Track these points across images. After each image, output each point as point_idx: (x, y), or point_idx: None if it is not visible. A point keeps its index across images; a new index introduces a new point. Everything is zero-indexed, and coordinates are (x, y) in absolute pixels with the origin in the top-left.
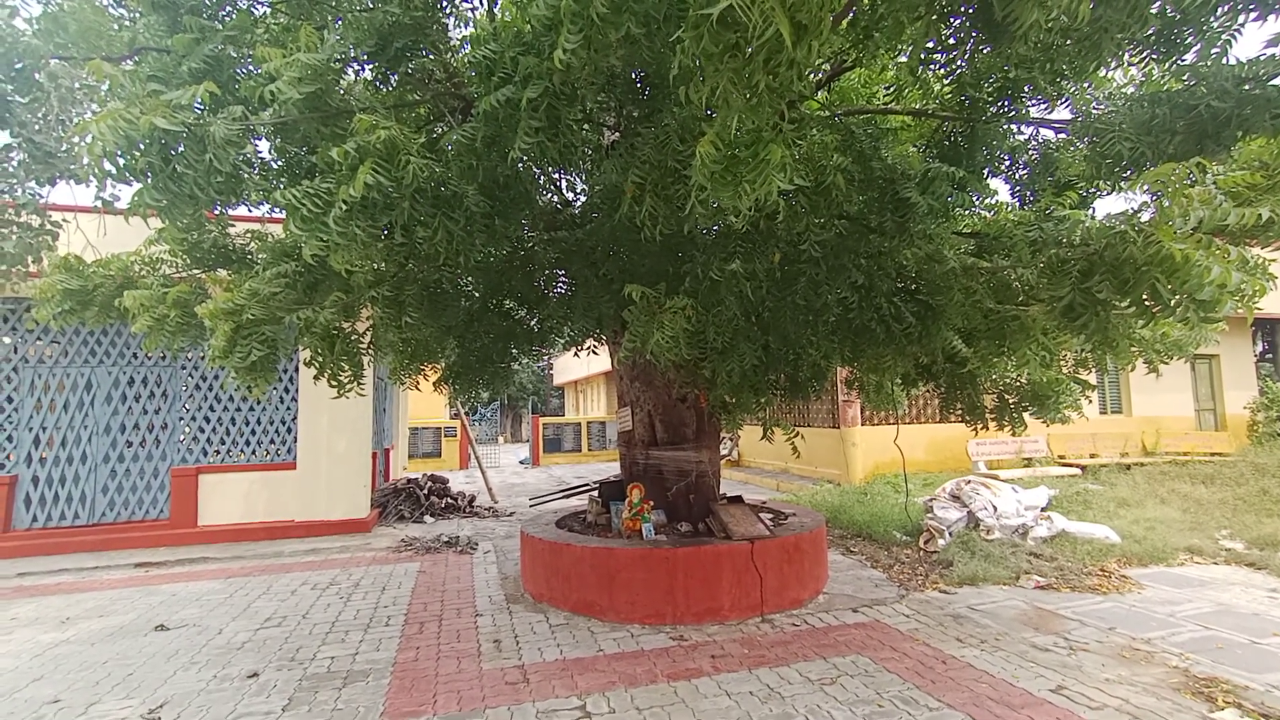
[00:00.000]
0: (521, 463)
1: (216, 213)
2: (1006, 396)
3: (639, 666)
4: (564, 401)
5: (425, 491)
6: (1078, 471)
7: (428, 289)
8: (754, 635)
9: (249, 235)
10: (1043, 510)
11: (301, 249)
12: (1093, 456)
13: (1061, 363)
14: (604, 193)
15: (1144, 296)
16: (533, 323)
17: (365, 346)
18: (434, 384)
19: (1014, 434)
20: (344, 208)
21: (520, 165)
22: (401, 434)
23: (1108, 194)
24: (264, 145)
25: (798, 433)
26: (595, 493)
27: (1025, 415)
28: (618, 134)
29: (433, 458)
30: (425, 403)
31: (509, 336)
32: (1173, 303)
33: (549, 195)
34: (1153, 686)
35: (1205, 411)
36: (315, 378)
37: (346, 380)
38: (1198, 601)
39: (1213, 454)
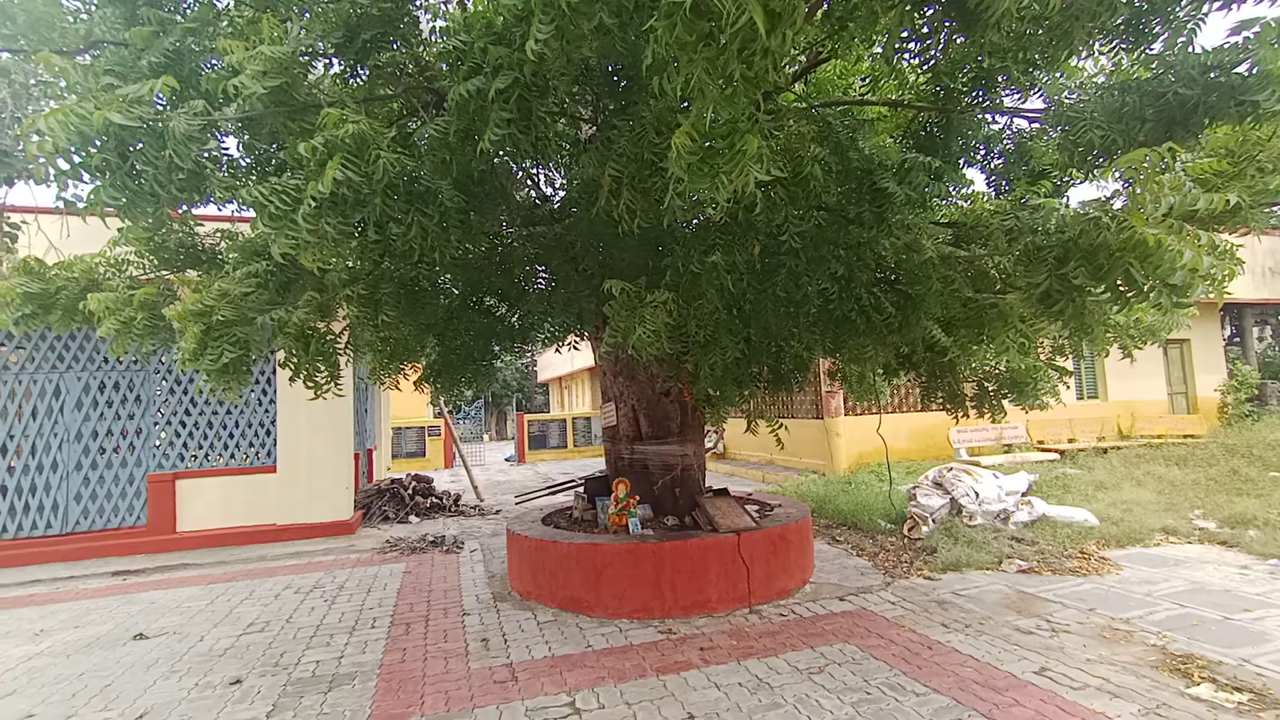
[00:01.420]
0: (507, 460)
1: (182, 211)
2: (986, 384)
3: (628, 661)
4: (549, 398)
5: (409, 491)
6: (1056, 456)
7: (404, 287)
8: (742, 626)
9: (219, 235)
10: (1023, 495)
11: (292, 251)
12: (1071, 441)
13: (1039, 350)
14: (582, 187)
15: (1118, 282)
16: (513, 319)
17: (344, 346)
18: (415, 383)
19: (994, 421)
20: (313, 204)
21: (495, 159)
22: (384, 434)
23: (1081, 183)
24: (232, 143)
25: (781, 424)
26: (581, 489)
27: (1005, 402)
28: (594, 128)
29: (417, 457)
30: (408, 402)
31: (490, 334)
32: (1146, 287)
33: (527, 191)
34: (1132, 665)
35: (1177, 395)
36: (291, 379)
37: (323, 381)
38: (1173, 580)
39: (1185, 436)
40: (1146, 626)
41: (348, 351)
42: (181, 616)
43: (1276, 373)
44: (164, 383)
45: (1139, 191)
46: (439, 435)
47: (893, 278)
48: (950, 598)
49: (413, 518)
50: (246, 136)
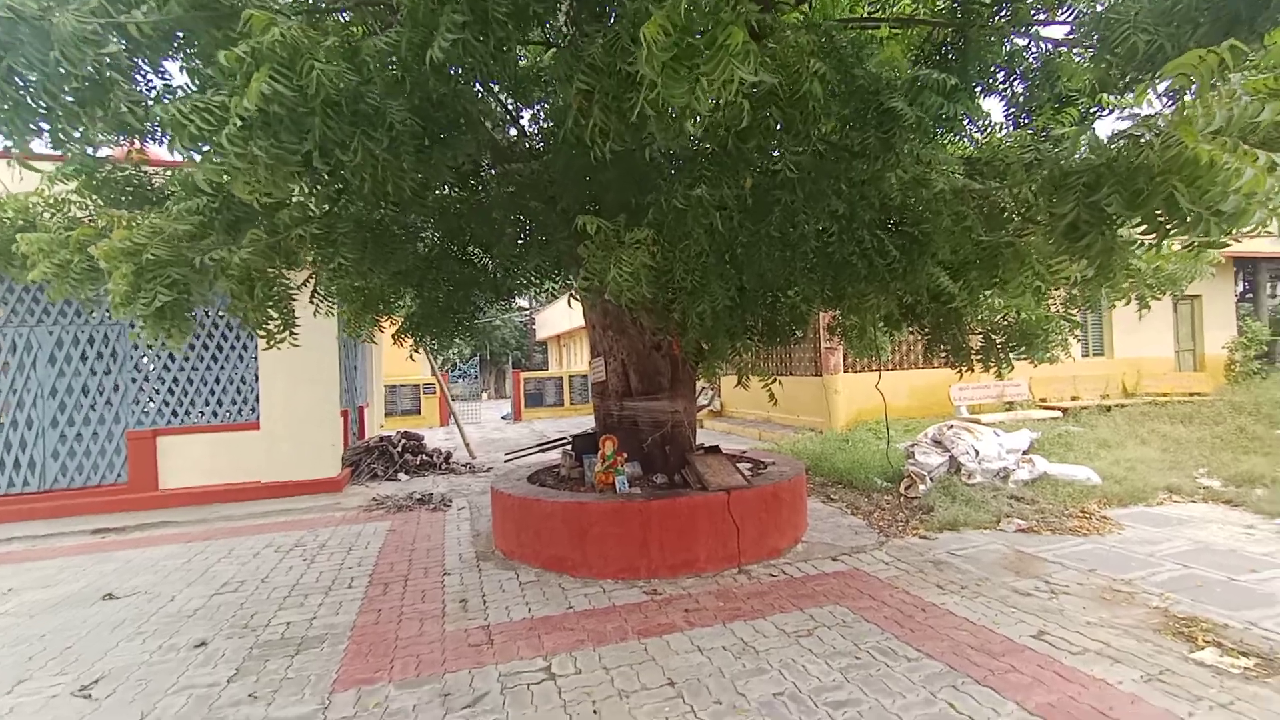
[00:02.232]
0: (503, 418)
1: (84, 132)
2: (993, 337)
3: (609, 623)
4: (548, 356)
5: (399, 449)
6: (1059, 414)
7: (370, 230)
8: (730, 587)
9: (171, 173)
10: (1024, 453)
11: (218, 178)
12: (1074, 399)
13: (1051, 300)
14: (553, 114)
15: (1158, 211)
16: (495, 271)
17: (311, 296)
18: (393, 336)
19: (1000, 376)
20: (239, 123)
21: (455, 79)
22: (377, 391)
23: (1111, 112)
24: (174, 68)
25: (775, 379)
26: (569, 446)
27: (1011, 356)
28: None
29: (412, 415)
30: (403, 359)
31: (470, 284)
32: (1191, 216)
33: (503, 126)
34: (1133, 628)
35: (1185, 352)
36: (240, 326)
37: (276, 330)
38: (1176, 540)
39: (1191, 394)
40: (1149, 588)
41: (314, 301)
42: (155, 576)
43: None
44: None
45: (1188, 102)
46: (434, 393)
47: (896, 219)
48: (946, 558)
49: (402, 475)
50: (193, 62)
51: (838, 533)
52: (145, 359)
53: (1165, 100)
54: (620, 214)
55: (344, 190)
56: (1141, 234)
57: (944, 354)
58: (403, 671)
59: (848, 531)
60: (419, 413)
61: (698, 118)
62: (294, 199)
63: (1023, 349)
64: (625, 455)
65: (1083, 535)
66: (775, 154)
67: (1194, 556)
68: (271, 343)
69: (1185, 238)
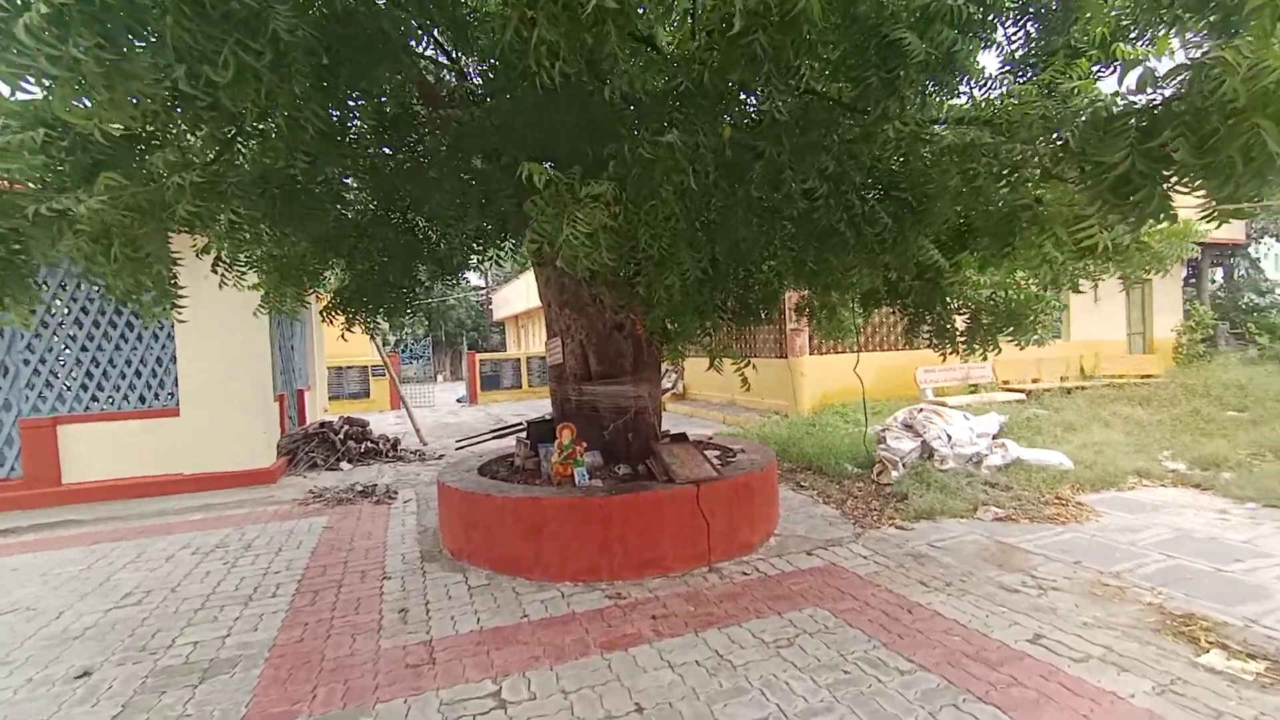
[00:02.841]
0: (459, 401)
1: None
2: (980, 317)
3: (568, 635)
4: (505, 337)
5: (340, 435)
6: (1023, 397)
7: (280, 186)
8: (701, 589)
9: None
10: (995, 437)
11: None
12: (1035, 381)
13: (1034, 281)
14: (490, 30)
15: (1231, 157)
16: (438, 240)
17: (214, 263)
18: (322, 313)
19: (984, 358)
20: (44, 11)
21: None
22: (320, 373)
23: (1113, 69)
24: None
25: (749, 362)
26: (524, 433)
27: (998, 338)
28: None
29: (360, 399)
30: (351, 339)
31: (411, 255)
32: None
33: (441, 70)
34: (1132, 628)
35: (1135, 335)
36: (110, 296)
37: (152, 300)
38: (1155, 528)
39: (1144, 376)
40: (1138, 582)
41: (217, 269)
42: (44, 587)
43: (1227, 314)
44: (34, 315)
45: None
46: (384, 375)
47: (887, 183)
48: (926, 550)
49: (344, 464)
50: None
51: (811, 524)
52: (39, 338)
53: (1205, 38)
54: (575, 166)
55: (239, 131)
56: (1199, 186)
57: (927, 335)
58: (326, 702)
59: (822, 522)
60: (368, 396)
61: (672, 22)
62: (176, 138)
63: (1010, 330)
64: (585, 444)
65: (1061, 524)
66: (757, 101)
67: (1176, 545)
68: (146, 316)
69: (1229, 202)
